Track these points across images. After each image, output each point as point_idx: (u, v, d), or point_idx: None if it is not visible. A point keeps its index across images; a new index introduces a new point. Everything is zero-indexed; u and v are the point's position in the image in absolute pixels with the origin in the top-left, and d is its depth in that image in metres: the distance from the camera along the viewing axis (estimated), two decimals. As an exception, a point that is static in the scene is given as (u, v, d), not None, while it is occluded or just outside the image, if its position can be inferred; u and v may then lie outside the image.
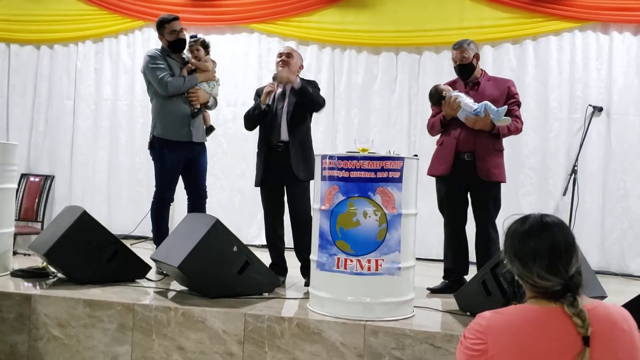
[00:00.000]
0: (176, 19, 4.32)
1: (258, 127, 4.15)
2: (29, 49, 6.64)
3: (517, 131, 4.00)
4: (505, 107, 3.83)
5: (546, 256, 1.49)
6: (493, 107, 3.81)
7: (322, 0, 6.00)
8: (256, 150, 4.16)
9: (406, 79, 5.90)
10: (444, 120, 4.05)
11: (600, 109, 5.40)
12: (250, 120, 4.12)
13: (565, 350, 1.42)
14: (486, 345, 1.46)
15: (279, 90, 4.07)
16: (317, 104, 4.03)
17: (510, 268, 1.58)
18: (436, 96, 4.05)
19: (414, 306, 3.36)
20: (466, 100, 3.89)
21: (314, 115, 4.19)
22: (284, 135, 3.98)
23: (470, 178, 3.91)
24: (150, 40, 6.37)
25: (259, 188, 4.15)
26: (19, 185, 5.80)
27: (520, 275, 1.54)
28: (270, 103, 4.03)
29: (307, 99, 3.96)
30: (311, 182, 3.84)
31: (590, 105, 5.39)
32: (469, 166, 3.91)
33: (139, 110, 6.37)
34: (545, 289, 1.49)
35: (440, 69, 5.79)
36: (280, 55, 4.09)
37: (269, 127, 4.03)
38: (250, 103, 4.25)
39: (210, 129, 4.58)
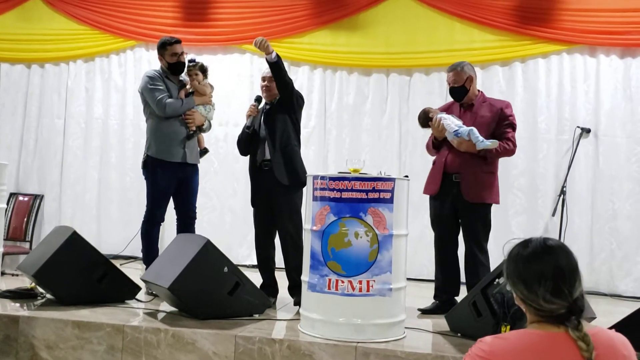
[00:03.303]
0: (178, 42, 4.36)
1: None
2: (19, 68, 6.64)
3: (506, 152, 3.97)
4: (486, 141, 3.81)
5: (551, 279, 1.49)
6: (477, 134, 3.82)
7: (313, 22, 6.07)
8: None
9: (396, 100, 5.95)
10: (435, 141, 4.09)
11: (588, 131, 5.47)
12: (240, 144, 4.18)
13: None
14: None
15: (262, 110, 4.13)
16: (285, 82, 3.98)
17: (513, 292, 1.57)
18: (423, 118, 4.11)
19: (405, 327, 3.36)
20: (449, 122, 3.92)
21: (305, 135, 4.20)
22: (268, 153, 4.01)
23: (458, 199, 3.92)
24: (141, 60, 6.40)
25: (250, 208, 4.19)
26: (7, 204, 5.76)
27: (524, 299, 1.53)
28: (251, 125, 4.08)
29: (279, 74, 3.93)
30: (302, 203, 3.84)
31: (578, 126, 5.46)
32: (456, 187, 3.93)
33: (130, 129, 6.38)
34: (550, 312, 1.48)
35: (431, 90, 5.85)
36: (263, 79, 4.17)
37: (255, 148, 4.09)
38: (241, 123, 4.28)
39: (204, 152, 4.63)
